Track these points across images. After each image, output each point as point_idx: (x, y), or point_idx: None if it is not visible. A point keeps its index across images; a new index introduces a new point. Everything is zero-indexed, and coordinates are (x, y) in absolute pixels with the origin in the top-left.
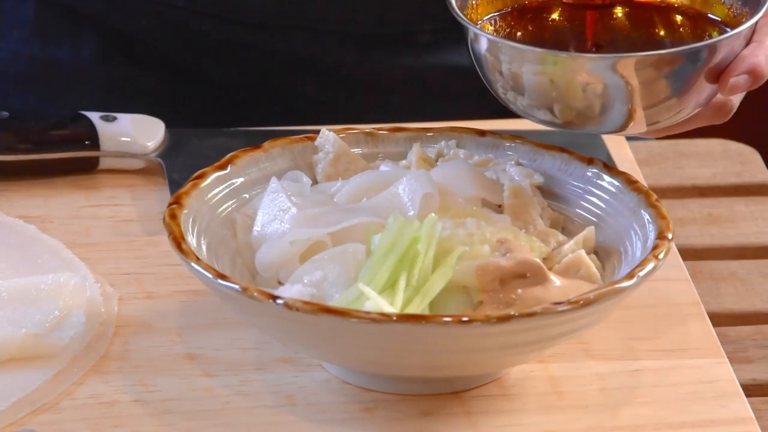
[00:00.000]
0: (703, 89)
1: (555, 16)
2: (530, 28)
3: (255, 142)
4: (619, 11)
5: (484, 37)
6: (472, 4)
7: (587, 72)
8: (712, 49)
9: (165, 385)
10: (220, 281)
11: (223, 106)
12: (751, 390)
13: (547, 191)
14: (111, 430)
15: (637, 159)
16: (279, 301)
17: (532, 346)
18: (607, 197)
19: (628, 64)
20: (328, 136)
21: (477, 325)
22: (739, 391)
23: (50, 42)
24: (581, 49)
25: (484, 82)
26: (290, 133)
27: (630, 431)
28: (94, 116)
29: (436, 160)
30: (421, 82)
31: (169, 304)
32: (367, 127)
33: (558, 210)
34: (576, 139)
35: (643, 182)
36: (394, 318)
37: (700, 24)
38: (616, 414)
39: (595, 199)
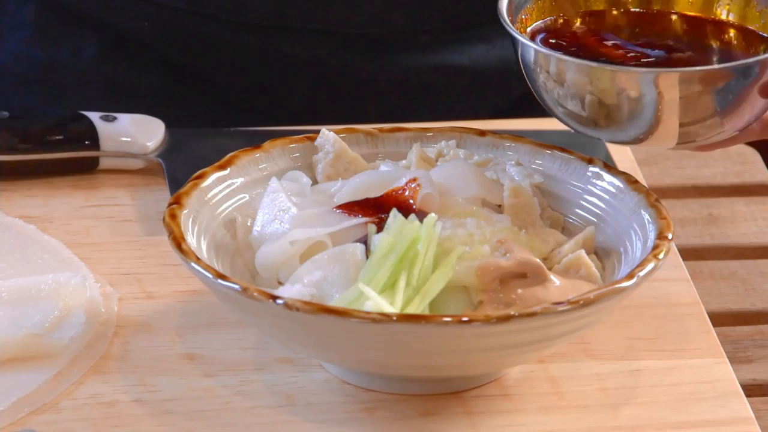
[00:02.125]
0: (755, 104)
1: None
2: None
3: (255, 142)
4: (674, 20)
5: (529, 47)
6: (522, 18)
7: (629, 85)
8: (764, 65)
9: (165, 385)
10: (220, 281)
11: (223, 107)
12: (751, 390)
13: (547, 191)
14: (111, 430)
15: (637, 159)
16: (279, 301)
17: (532, 346)
18: (607, 197)
19: (670, 78)
20: (328, 136)
21: (477, 325)
22: (739, 391)
23: (51, 43)
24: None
25: (534, 93)
26: (290, 133)
27: (630, 431)
28: (94, 116)
29: (436, 160)
30: (420, 82)
31: (169, 304)
32: (367, 127)
33: (558, 210)
34: (576, 139)
35: (643, 182)
36: (394, 318)
37: (751, 41)
38: (616, 414)
39: (595, 199)
